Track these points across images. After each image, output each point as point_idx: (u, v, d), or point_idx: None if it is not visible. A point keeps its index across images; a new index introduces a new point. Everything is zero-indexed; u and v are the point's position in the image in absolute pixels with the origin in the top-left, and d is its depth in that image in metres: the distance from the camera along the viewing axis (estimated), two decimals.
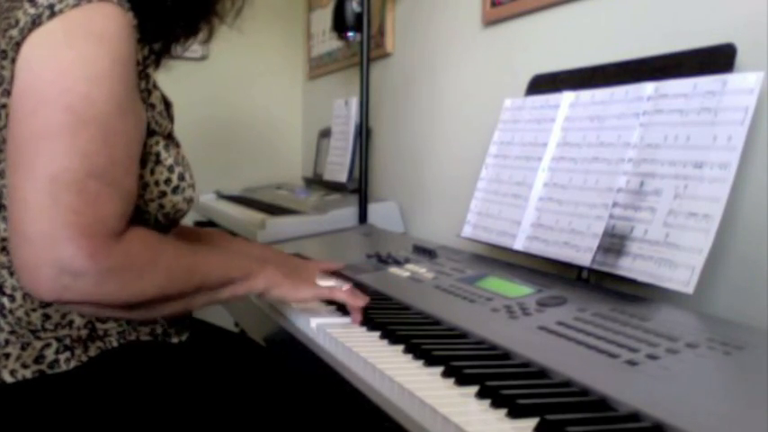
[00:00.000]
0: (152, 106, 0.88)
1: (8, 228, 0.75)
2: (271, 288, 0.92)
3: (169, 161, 0.88)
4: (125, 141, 0.78)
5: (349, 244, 1.63)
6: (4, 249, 0.81)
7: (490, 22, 1.57)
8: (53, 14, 0.76)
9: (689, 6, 1.08)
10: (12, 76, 0.77)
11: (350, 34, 1.94)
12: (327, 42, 2.59)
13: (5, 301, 0.81)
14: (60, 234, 0.69)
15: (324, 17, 2.54)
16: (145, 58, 0.86)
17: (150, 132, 0.86)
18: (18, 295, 0.81)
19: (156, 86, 0.90)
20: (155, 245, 0.79)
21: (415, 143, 1.92)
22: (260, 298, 0.95)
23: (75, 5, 0.77)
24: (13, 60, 0.77)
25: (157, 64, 1.01)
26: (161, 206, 0.88)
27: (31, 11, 0.77)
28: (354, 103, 2.07)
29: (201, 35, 1.02)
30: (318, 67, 2.75)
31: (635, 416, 0.61)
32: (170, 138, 0.92)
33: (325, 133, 2.41)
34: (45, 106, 0.73)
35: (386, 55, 2.10)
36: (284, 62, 2.95)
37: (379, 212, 1.88)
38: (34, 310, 0.82)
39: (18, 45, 0.77)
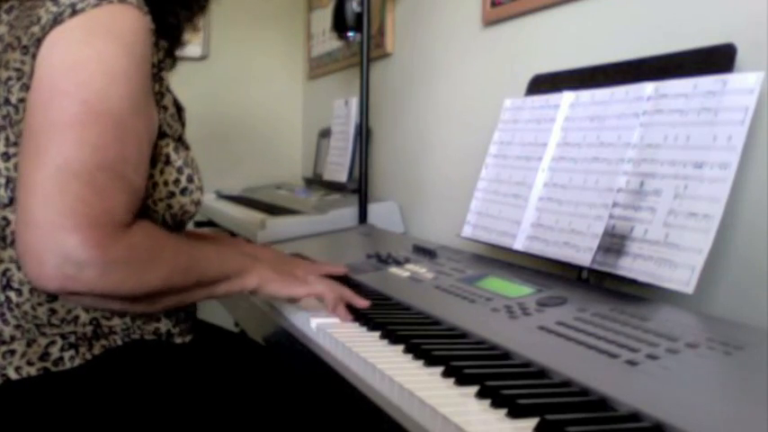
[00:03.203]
0: (164, 108, 0.89)
1: (16, 216, 0.75)
2: (263, 285, 0.93)
3: (178, 163, 0.89)
4: (136, 139, 0.79)
5: (349, 244, 1.63)
6: (14, 243, 0.81)
7: (490, 22, 1.57)
8: (74, 13, 0.78)
9: (689, 6, 1.08)
10: (32, 72, 0.79)
11: (350, 34, 1.94)
12: (327, 42, 2.59)
13: (12, 295, 0.81)
14: (66, 222, 0.69)
15: (324, 17, 2.54)
16: (160, 61, 0.88)
17: (161, 134, 0.87)
18: (25, 290, 0.81)
19: (169, 90, 0.91)
20: (158, 238, 0.80)
21: (415, 143, 1.92)
22: (253, 295, 0.96)
23: (97, 5, 0.79)
24: (34, 56, 0.79)
25: (173, 61, 1.02)
26: (169, 206, 0.89)
27: (54, 9, 0.79)
28: (354, 103, 2.07)
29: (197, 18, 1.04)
30: (318, 67, 2.75)
31: (635, 416, 0.61)
32: (180, 141, 0.93)
33: (325, 133, 2.40)
34: (60, 98, 0.75)
35: (386, 55, 2.10)
36: (284, 62, 2.95)
37: (379, 212, 1.88)
38: (41, 304, 0.82)
39: (39, 41, 0.79)
